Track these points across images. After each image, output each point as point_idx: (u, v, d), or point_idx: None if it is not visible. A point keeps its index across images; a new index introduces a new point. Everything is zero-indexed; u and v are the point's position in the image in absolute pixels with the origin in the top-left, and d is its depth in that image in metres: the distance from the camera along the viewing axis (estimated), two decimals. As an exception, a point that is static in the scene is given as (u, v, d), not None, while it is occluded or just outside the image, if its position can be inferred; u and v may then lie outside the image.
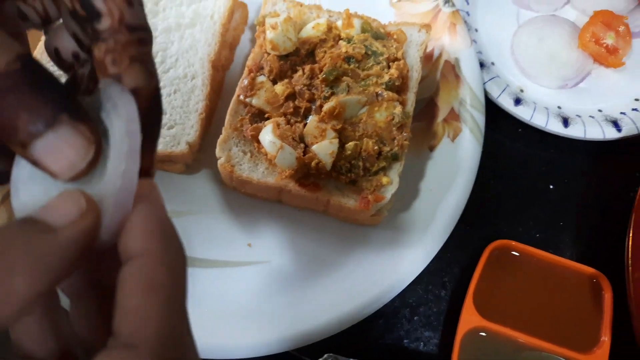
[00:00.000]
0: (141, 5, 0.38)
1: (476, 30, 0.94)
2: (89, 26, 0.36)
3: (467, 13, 0.94)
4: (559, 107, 0.90)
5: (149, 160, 0.39)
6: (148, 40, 0.38)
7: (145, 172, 0.37)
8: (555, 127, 0.85)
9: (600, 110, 0.90)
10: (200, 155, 0.84)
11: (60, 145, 0.33)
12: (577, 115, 0.88)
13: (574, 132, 0.85)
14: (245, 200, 0.84)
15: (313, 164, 0.74)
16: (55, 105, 0.33)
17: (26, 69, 0.32)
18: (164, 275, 0.33)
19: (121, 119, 0.35)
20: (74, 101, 0.35)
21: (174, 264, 0.35)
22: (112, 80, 0.36)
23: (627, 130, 0.86)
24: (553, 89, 0.92)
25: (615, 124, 0.87)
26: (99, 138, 0.35)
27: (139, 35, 0.37)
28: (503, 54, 0.94)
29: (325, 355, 0.75)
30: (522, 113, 0.86)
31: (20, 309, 0.30)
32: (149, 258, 0.33)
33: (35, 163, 0.34)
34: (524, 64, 0.93)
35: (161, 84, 0.81)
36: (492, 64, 0.92)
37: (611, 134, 0.86)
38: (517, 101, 0.87)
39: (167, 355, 0.32)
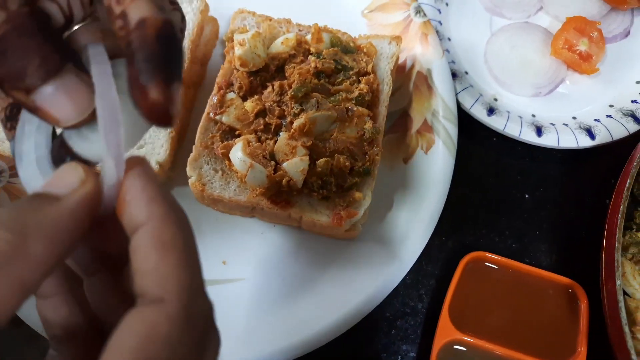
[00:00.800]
0: None
1: (449, 39, 0.94)
2: None
3: (440, 22, 0.94)
4: (533, 115, 0.90)
5: (161, 93, 0.35)
6: None
7: (157, 107, 0.35)
8: (528, 136, 0.85)
9: (574, 118, 0.90)
10: (173, 173, 0.83)
11: (65, 93, 0.35)
12: (551, 124, 0.88)
13: (548, 141, 0.85)
14: (220, 216, 0.83)
15: (284, 181, 0.73)
16: (63, 54, 0.35)
17: (34, 15, 0.34)
18: (174, 234, 0.35)
19: (92, 65, 0.36)
20: (76, 52, 0.37)
21: (180, 223, 0.36)
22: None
23: (601, 138, 0.85)
24: (527, 97, 0.92)
25: (589, 132, 0.86)
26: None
27: None
28: (476, 63, 0.94)
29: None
30: (495, 123, 0.86)
31: (41, 272, 0.32)
32: (155, 221, 0.35)
33: (36, 110, 0.35)
34: (497, 73, 0.92)
35: (130, 103, 0.80)
36: (466, 73, 0.92)
37: (585, 142, 0.85)
38: (491, 111, 0.87)
39: (191, 306, 0.34)
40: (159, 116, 0.35)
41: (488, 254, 0.81)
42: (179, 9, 0.41)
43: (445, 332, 0.77)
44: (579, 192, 0.89)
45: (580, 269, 0.83)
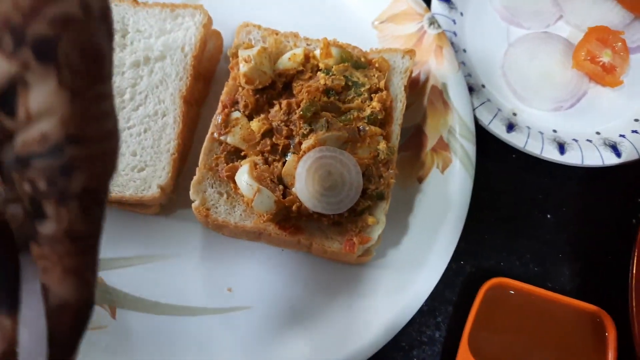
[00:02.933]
0: (101, 211, 0.35)
1: (464, 50, 0.89)
2: (29, 222, 0.34)
3: (454, 33, 0.89)
4: (555, 131, 0.85)
5: None
6: (92, 247, 0.35)
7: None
8: (551, 154, 0.81)
9: (598, 133, 0.85)
10: (176, 195, 0.79)
11: None
12: (573, 140, 0.83)
13: (571, 159, 0.80)
14: (225, 240, 0.79)
15: (294, 207, 0.69)
16: None
17: None
18: None
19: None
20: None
21: None
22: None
23: (627, 155, 0.81)
24: (547, 112, 0.87)
25: (614, 148, 0.82)
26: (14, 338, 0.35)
27: (85, 244, 0.35)
28: (494, 76, 0.89)
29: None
30: (515, 140, 0.81)
31: None
32: None
33: None
34: (515, 86, 0.88)
35: (130, 123, 0.76)
36: (483, 86, 0.87)
37: (610, 159, 0.81)
38: (510, 127, 0.82)
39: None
40: None
41: (510, 281, 0.76)
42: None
43: (465, 364, 0.73)
44: (603, 211, 0.85)
45: (607, 295, 0.78)
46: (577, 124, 0.86)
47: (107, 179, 0.34)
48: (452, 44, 0.86)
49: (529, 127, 0.83)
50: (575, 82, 0.88)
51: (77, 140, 0.32)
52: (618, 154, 0.81)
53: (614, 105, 0.88)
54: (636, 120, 0.86)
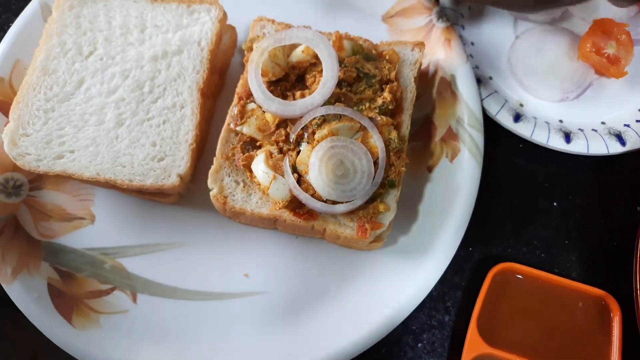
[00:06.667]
0: None
1: (472, 43, 0.92)
2: None
3: (462, 27, 0.91)
4: (561, 121, 0.87)
5: None
6: None
7: None
8: (557, 143, 0.83)
9: (603, 123, 0.87)
10: (194, 185, 0.82)
11: None
12: (579, 129, 0.85)
13: (577, 148, 0.82)
14: (241, 228, 0.82)
15: (308, 194, 0.72)
16: None
17: None
18: None
19: None
20: None
21: None
22: None
23: (632, 144, 0.83)
24: (554, 102, 0.89)
25: (619, 137, 0.84)
26: None
27: None
28: (501, 68, 0.91)
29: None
30: (522, 130, 0.83)
31: None
32: None
33: None
34: (522, 77, 0.90)
35: (150, 115, 0.79)
36: (490, 78, 0.89)
37: (615, 148, 0.83)
38: (517, 117, 0.84)
39: None
40: None
41: (517, 265, 0.79)
42: None
43: (474, 346, 0.75)
44: (608, 198, 0.87)
45: (612, 279, 0.80)
46: (582, 114, 0.88)
47: None
48: (460, 36, 0.88)
49: (535, 118, 0.86)
50: (580, 73, 0.90)
51: None
52: (623, 143, 0.83)
53: (618, 96, 0.90)
54: (641, 110, 0.88)
